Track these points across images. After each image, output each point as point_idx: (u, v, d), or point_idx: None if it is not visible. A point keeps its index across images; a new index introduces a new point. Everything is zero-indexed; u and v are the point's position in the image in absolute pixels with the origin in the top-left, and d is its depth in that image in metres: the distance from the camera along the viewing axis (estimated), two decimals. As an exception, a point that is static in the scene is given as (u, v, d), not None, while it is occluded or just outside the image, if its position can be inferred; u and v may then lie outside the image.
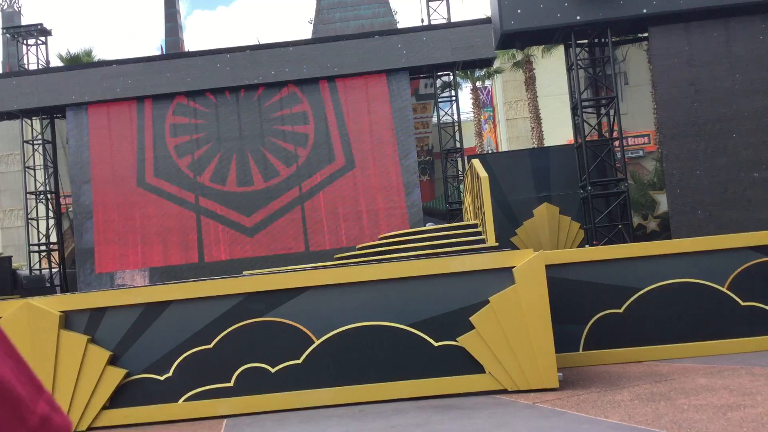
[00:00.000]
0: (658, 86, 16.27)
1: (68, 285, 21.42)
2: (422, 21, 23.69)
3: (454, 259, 8.02)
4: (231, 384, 7.76)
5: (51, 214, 21.88)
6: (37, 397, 0.50)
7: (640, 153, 29.42)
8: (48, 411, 0.50)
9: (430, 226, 15.46)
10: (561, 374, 7.45)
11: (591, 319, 8.94)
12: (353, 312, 7.80)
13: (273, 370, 7.73)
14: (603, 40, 16.82)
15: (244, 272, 12.41)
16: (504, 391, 7.42)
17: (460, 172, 21.68)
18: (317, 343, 7.73)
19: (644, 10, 15.60)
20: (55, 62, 27.63)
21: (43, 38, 23.63)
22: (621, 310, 8.94)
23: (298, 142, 20.06)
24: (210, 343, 7.84)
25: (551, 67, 27.88)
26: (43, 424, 0.47)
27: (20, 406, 0.47)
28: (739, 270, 8.94)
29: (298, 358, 7.72)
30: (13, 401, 0.46)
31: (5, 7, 24.65)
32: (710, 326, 8.86)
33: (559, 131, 28.45)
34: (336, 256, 14.41)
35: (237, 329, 7.83)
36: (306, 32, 66.63)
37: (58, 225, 22.00)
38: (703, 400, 6.03)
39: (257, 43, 21.92)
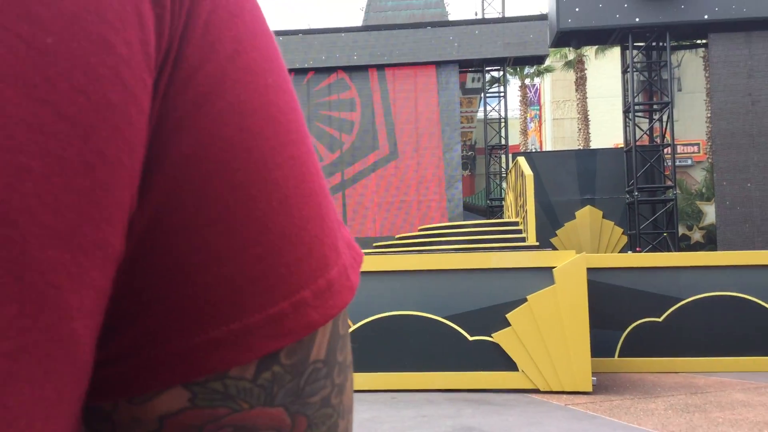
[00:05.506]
0: (714, 94, 15.91)
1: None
2: (476, 14, 23.53)
3: (494, 255, 8.02)
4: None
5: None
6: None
7: (689, 162, 28.75)
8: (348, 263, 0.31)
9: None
10: (595, 379, 7.42)
11: (629, 326, 8.86)
12: (390, 300, 7.87)
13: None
14: (661, 44, 16.51)
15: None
16: (536, 391, 7.42)
17: (503, 169, 21.54)
18: (353, 328, 7.83)
19: (705, 16, 15.26)
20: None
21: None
22: (660, 319, 8.83)
23: (344, 129, 20.17)
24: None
25: (603, 68, 27.45)
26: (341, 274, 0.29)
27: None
28: (785, 287, 8.75)
29: (334, 342, 7.80)
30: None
31: None
32: (751, 342, 8.69)
33: (605, 134, 28.03)
34: (375, 245, 14.50)
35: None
36: (357, 19, 66.66)
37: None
38: (738, 415, 5.95)
39: (308, 27, 22.09)
